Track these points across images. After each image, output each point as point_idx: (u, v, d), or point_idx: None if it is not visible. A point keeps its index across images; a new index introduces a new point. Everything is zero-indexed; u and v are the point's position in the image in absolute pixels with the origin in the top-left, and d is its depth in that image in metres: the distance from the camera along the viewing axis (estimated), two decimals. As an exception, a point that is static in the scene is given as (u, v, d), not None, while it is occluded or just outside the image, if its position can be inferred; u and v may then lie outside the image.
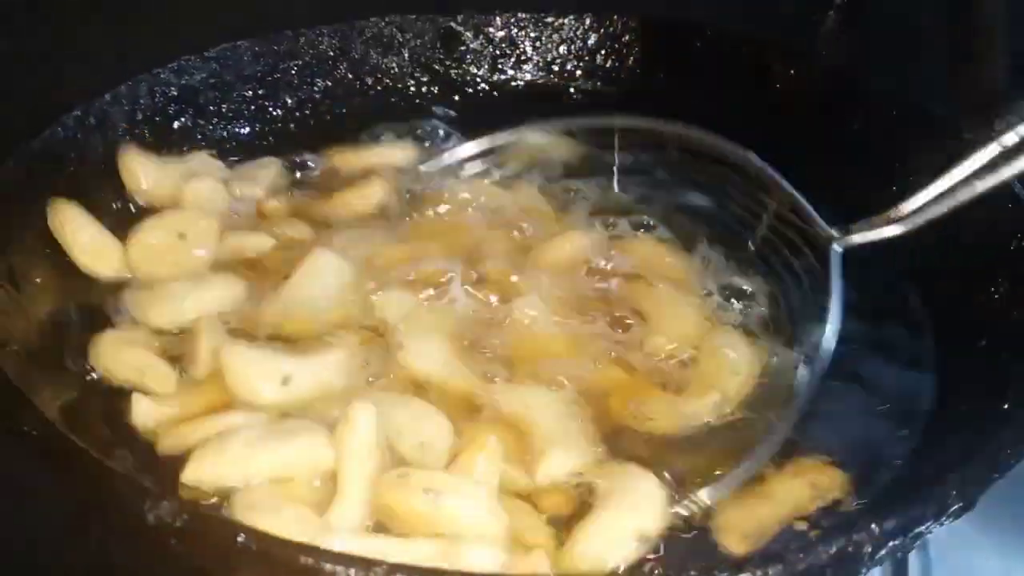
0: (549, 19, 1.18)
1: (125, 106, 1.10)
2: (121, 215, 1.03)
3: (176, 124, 1.15)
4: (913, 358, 1.02)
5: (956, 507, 0.70)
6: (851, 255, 0.99)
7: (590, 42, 1.19)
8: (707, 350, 0.91)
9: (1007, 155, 0.96)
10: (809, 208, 1.02)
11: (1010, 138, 1.12)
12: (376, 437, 0.75)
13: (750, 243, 1.07)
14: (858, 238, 0.99)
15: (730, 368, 0.89)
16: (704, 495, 0.77)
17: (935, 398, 0.96)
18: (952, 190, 0.97)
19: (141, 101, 1.12)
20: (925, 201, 0.98)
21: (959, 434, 0.87)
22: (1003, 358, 0.92)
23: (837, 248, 0.99)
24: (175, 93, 1.12)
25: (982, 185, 0.95)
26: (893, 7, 1.36)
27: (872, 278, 1.00)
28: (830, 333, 0.93)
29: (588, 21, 1.17)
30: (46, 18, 1.12)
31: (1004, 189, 0.97)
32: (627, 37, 1.16)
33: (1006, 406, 0.83)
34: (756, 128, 1.10)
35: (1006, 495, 0.76)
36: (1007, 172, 0.95)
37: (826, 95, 1.20)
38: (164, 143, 0.97)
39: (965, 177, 0.97)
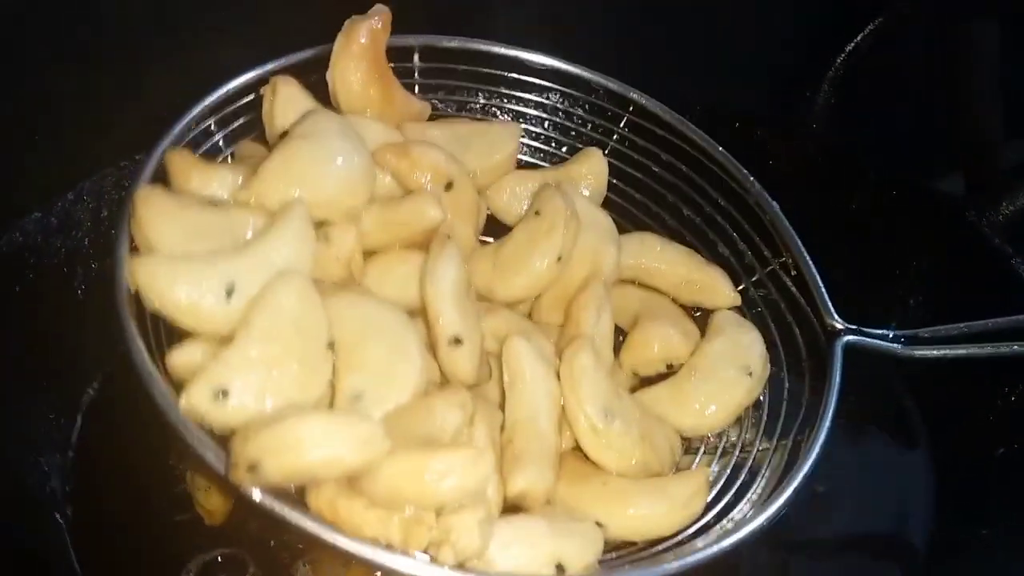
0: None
1: (89, 203, 1.05)
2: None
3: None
4: (908, 475, 0.97)
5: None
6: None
7: (576, 118, 1.10)
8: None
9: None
10: (821, 287, 0.94)
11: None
12: None
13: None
14: (867, 341, 0.91)
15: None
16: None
17: (931, 525, 0.93)
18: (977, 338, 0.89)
19: (106, 196, 1.06)
20: (948, 335, 0.90)
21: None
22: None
23: (844, 341, 0.90)
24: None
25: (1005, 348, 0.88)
26: (885, 79, 1.27)
27: (863, 379, 0.91)
28: (824, 436, 0.84)
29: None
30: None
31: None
32: (612, 111, 1.08)
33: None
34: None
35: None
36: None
37: (824, 172, 1.15)
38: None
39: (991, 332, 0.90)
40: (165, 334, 0.78)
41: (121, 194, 1.06)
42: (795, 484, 0.81)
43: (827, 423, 0.85)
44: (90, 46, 1.03)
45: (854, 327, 0.91)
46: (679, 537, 0.82)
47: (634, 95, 1.05)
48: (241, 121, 0.95)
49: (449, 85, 1.06)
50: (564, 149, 1.09)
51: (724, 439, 0.93)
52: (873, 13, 1.26)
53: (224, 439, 0.71)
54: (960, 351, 0.90)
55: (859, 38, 1.27)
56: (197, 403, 0.69)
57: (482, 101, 1.09)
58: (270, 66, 0.94)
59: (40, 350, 0.99)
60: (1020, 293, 1.02)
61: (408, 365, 0.75)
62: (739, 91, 1.20)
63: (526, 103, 1.10)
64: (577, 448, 0.85)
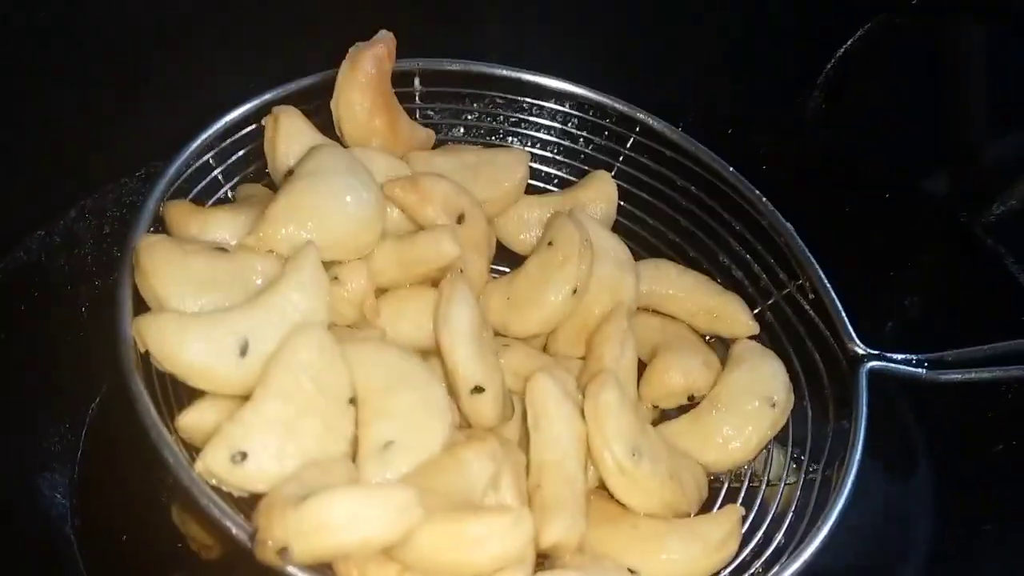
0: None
1: (91, 220, 1.04)
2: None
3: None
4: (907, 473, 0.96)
5: None
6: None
7: (581, 138, 1.06)
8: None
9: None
10: (840, 311, 0.91)
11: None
12: None
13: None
14: (891, 367, 0.89)
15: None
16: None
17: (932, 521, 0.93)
18: (1002, 359, 0.87)
19: (107, 213, 1.05)
20: (972, 357, 0.88)
21: None
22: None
23: (868, 368, 0.88)
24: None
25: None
26: (876, 82, 1.25)
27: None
28: (855, 470, 0.82)
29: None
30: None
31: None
32: (618, 132, 1.04)
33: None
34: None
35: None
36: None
37: (816, 176, 1.12)
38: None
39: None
40: (173, 389, 0.74)
41: (123, 211, 1.04)
42: (829, 523, 0.79)
43: (857, 456, 0.83)
44: (90, 64, 0.99)
45: (876, 352, 0.89)
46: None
47: (641, 115, 1.02)
48: (241, 154, 0.91)
49: (451, 108, 1.03)
50: (568, 171, 1.06)
51: (749, 472, 0.91)
52: (865, 16, 1.23)
53: (242, 501, 0.68)
54: (985, 374, 0.87)
55: (850, 42, 1.24)
56: (214, 467, 0.66)
57: (484, 124, 1.05)
58: (269, 96, 0.90)
59: (45, 367, 0.98)
60: (1017, 294, 1.01)
61: (438, 416, 0.72)
62: (732, 96, 1.17)
63: (529, 125, 1.06)
64: (601, 486, 0.82)
